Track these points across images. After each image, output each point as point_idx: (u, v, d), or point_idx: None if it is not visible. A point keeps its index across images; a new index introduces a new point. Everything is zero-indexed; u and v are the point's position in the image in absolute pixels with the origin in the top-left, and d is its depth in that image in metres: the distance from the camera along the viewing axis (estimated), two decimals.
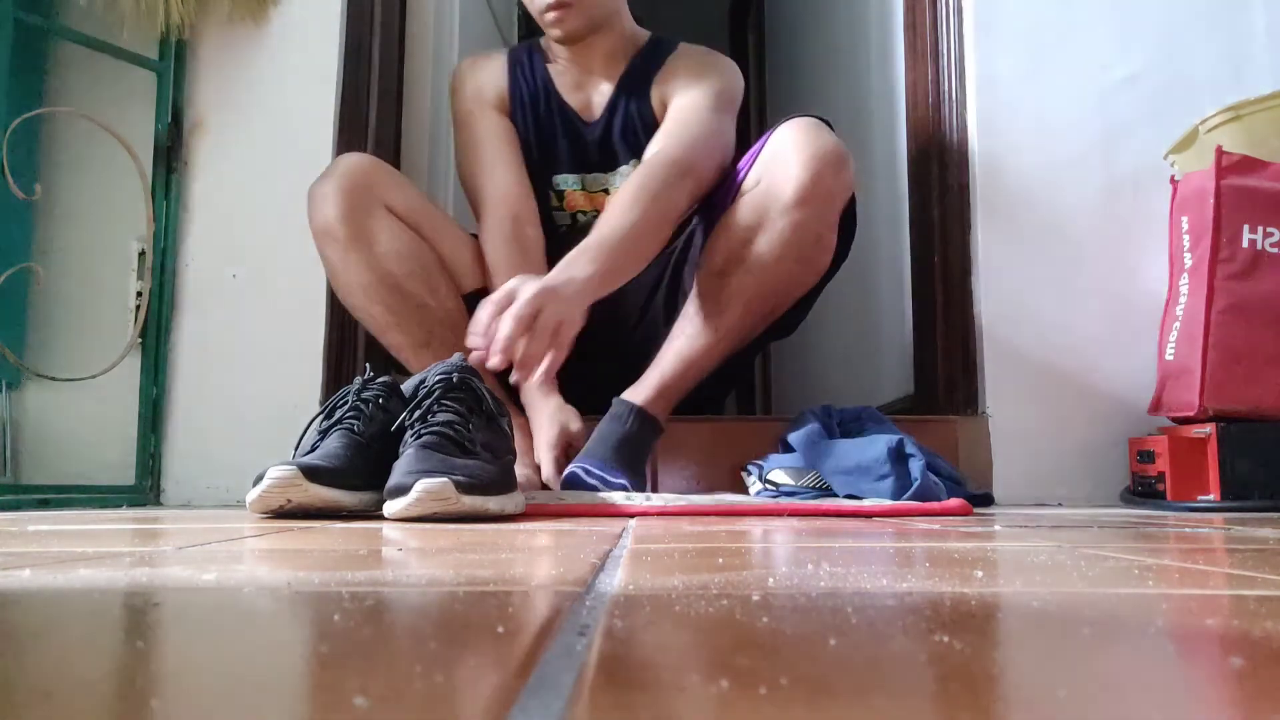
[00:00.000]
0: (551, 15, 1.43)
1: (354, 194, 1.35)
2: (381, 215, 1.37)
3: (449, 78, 1.60)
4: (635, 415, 1.33)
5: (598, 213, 1.50)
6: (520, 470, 1.34)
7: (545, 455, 1.35)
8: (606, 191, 1.53)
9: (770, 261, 1.31)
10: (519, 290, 1.11)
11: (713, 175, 1.39)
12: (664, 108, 1.47)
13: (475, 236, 1.49)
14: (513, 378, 1.12)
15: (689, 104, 1.42)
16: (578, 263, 1.19)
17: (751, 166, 1.36)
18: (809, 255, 1.33)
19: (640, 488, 1.28)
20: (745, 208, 1.33)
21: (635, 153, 1.50)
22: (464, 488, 0.89)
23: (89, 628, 0.33)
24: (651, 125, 1.48)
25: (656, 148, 1.38)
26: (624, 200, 1.27)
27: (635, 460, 1.32)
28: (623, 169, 1.52)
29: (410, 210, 1.41)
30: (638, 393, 1.36)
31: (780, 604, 0.36)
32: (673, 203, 1.32)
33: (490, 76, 1.53)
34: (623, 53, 1.52)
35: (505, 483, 0.97)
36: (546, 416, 1.38)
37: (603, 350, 1.45)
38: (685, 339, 1.37)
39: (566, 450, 1.35)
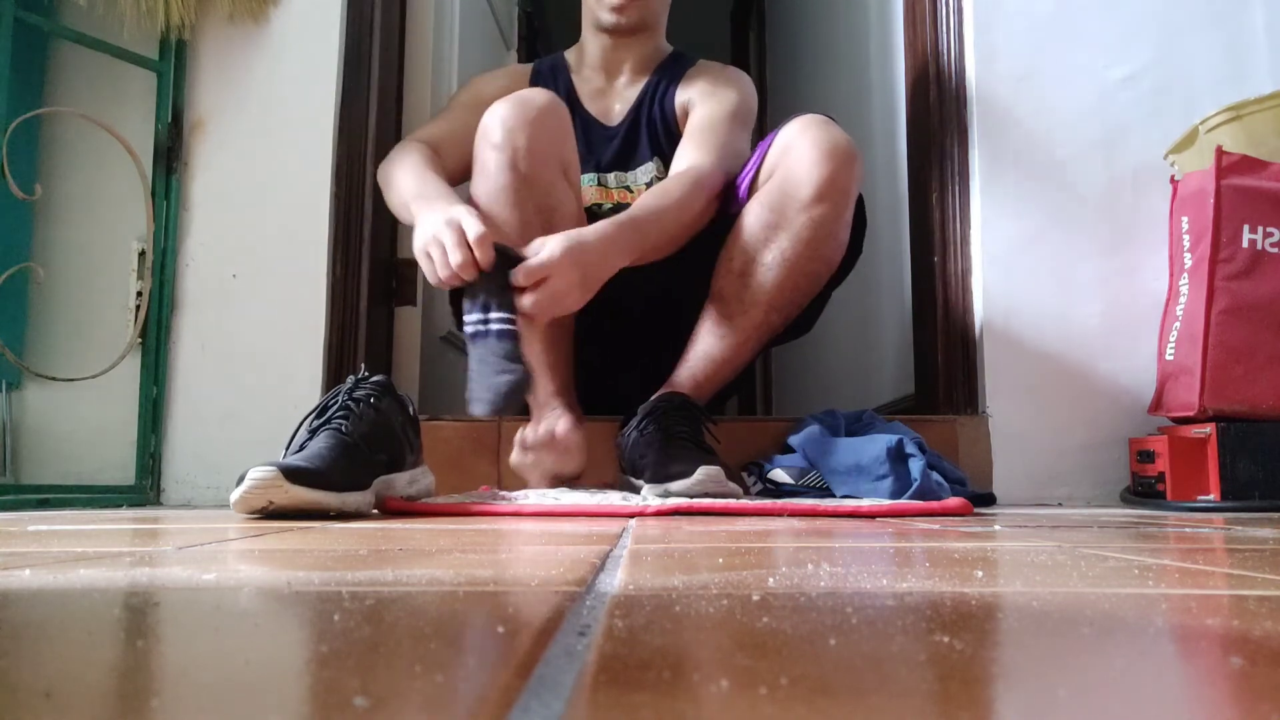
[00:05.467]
0: (614, 2, 1.49)
1: (544, 139, 1.31)
2: (560, 179, 1.34)
3: (456, 83, 1.60)
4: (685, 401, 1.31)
5: (615, 206, 1.51)
6: (523, 458, 1.34)
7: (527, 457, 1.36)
8: (628, 189, 1.55)
9: (790, 259, 1.32)
10: (548, 241, 1.15)
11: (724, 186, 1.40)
12: (685, 113, 1.52)
13: None
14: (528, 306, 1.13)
15: (712, 116, 1.46)
16: (611, 224, 1.22)
17: (758, 168, 1.36)
18: (826, 252, 1.34)
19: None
20: (761, 205, 1.33)
21: (656, 151, 1.53)
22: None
23: (89, 628, 0.33)
24: (672, 126, 1.53)
25: (685, 163, 1.40)
26: (655, 196, 1.30)
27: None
28: (646, 165, 1.54)
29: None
30: (674, 387, 1.35)
31: (780, 604, 0.36)
32: (696, 216, 1.34)
33: (500, 83, 1.53)
34: (651, 61, 1.58)
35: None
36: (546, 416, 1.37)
37: (619, 349, 1.46)
38: (712, 339, 1.36)
39: (552, 447, 1.35)
